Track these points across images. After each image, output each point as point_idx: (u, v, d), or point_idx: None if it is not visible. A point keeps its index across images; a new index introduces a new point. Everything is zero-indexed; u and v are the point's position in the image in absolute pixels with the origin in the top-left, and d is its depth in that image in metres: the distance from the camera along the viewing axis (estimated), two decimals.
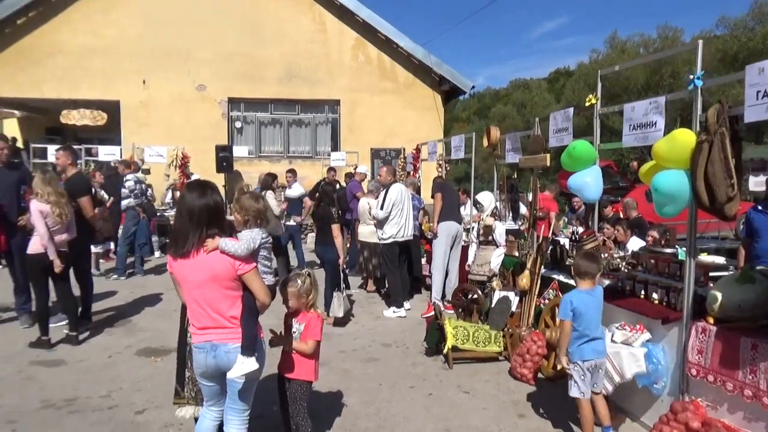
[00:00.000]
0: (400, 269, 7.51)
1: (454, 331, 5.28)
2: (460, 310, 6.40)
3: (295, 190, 10.29)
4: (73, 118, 14.77)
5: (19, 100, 15.01)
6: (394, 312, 7.15)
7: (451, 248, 7.41)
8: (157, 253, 11.06)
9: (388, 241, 7.26)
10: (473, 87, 17.56)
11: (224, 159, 13.43)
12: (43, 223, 5.36)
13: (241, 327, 2.83)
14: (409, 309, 7.31)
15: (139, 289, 8.20)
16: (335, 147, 15.79)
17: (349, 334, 6.30)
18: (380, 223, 7.33)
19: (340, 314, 6.52)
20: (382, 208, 7.22)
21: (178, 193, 12.68)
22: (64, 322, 5.82)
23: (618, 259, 5.13)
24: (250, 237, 2.94)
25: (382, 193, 7.39)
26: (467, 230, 8.01)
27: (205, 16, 14.91)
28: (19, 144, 15.12)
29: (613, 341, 3.91)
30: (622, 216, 8.01)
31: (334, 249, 6.69)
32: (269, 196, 8.10)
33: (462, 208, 8.45)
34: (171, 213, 12.10)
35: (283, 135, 16.07)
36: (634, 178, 12.07)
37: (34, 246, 5.44)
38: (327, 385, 4.62)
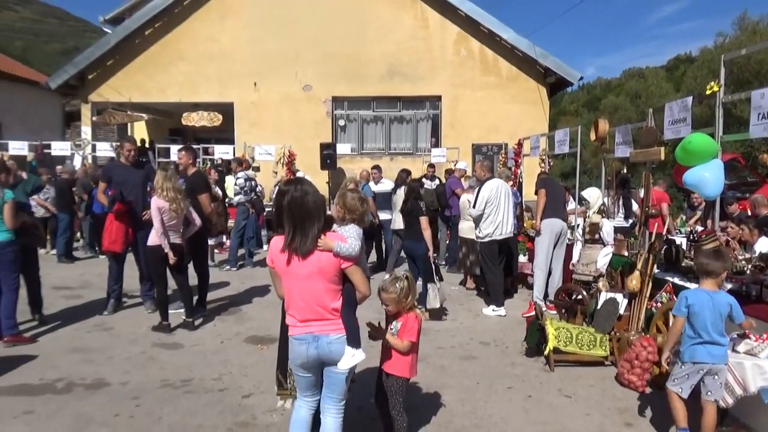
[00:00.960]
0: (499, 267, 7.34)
1: (556, 333, 5.08)
2: (563, 310, 6.15)
3: (386, 185, 10.33)
4: (192, 119, 15.90)
5: (147, 104, 16.40)
6: (493, 311, 7.01)
7: (555, 246, 7.13)
8: (265, 247, 11.63)
9: (486, 240, 7.11)
10: (581, 78, 16.76)
11: (328, 156, 13.87)
12: (159, 218, 5.81)
13: (342, 320, 2.91)
14: (504, 307, 7.14)
15: (249, 280, 8.67)
16: (436, 143, 15.75)
17: (447, 330, 6.26)
18: (476, 222, 7.22)
19: (437, 305, 6.51)
20: (475, 206, 7.12)
21: None
22: (181, 309, 6.27)
23: (743, 261, 4.69)
24: (356, 233, 3.03)
25: (476, 190, 7.28)
26: (572, 228, 7.68)
27: (312, 21, 15.43)
28: (147, 144, 16.55)
29: (735, 351, 3.58)
30: (750, 214, 7.30)
31: (424, 243, 6.68)
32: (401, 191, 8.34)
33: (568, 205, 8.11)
34: None
35: (384, 132, 16.28)
36: (766, 173, 10.97)
37: (153, 239, 5.91)
38: (424, 381, 4.62)
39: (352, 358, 2.93)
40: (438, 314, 6.65)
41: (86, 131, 16.11)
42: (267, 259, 2.99)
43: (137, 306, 6.94)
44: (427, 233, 6.67)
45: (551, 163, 10.81)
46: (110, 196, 6.57)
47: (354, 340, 2.93)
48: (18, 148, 14.35)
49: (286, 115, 15.56)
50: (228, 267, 9.53)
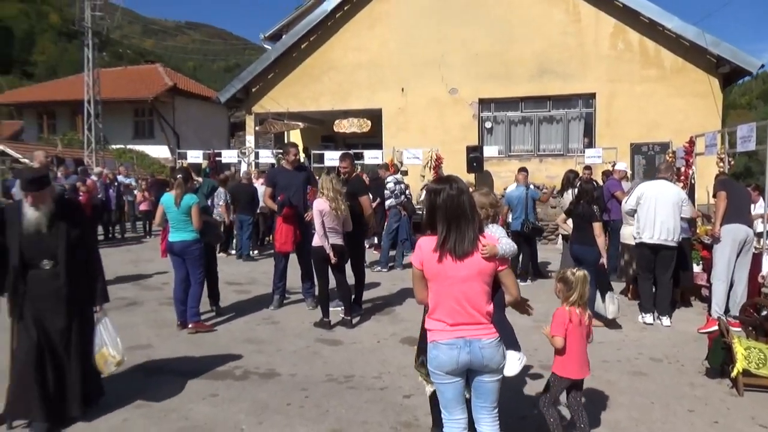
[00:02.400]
0: (663, 275, 6.69)
1: (746, 353, 4.50)
2: (750, 328, 5.46)
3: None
4: (343, 126, 16.66)
5: (302, 113, 17.50)
6: (642, 318, 6.60)
7: (738, 255, 6.37)
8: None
9: (633, 242, 6.75)
10: (762, 66, 14.87)
11: (475, 159, 13.74)
12: (320, 220, 6.10)
13: (494, 324, 2.81)
14: (650, 320, 6.57)
15: (400, 282, 8.82)
16: (590, 143, 14.90)
17: (612, 342, 5.85)
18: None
19: (617, 315, 6.19)
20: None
21: None
22: (340, 308, 6.54)
23: None
24: (504, 233, 2.96)
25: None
26: (759, 235, 6.81)
27: (457, 24, 15.44)
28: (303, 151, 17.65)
29: None
30: None
31: (596, 249, 6.31)
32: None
33: (753, 208, 7.21)
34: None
35: (533, 133, 15.77)
36: None
37: (316, 240, 6.23)
38: (590, 395, 4.34)
39: (518, 362, 2.83)
40: (614, 325, 6.29)
41: (250, 140, 17.58)
42: (413, 260, 2.86)
43: (299, 302, 7.35)
44: (601, 239, 6.32)
45: (731, 163, 9.69)
46: (279, 202, 7.03)
47: (514, 344, 2.82)
48: (194, 156, 16.05)
49: (432, 119, 15.71)
50: (379, 268, 9.79)
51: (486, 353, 2.74)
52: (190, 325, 6.10)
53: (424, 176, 14.35)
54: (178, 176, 6.30)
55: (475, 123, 15.79)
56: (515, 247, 2.90)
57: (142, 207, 14.83)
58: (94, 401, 4.00)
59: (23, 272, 3.71)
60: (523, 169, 9.30)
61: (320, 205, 6.13)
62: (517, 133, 15.99)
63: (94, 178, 13.02)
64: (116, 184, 14.53)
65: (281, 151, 16.57)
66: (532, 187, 9.59)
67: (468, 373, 2.82)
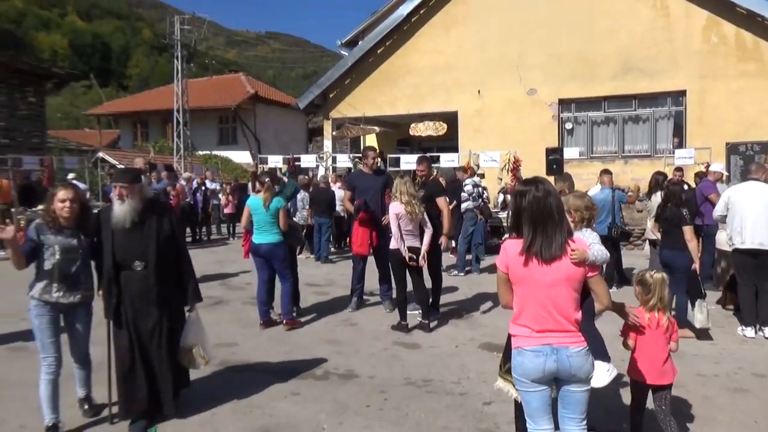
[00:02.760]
0: (765, 283, 6.21)
1: None
2: None
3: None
4: (419, 130, 16.66)
5: (378, 117, 17.67)
6: (741, 330, 6.17)
7: None
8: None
9: (730, 249, 6.34)
10: None
11: (554, 161, 13.29)
12: (396, 223, 6.12)
13: (583, 332, 2.69)
14: (752, 333, 6.10)
15: (476, 286, 8.70)
16: (680, 143, 14.10)
17: (708, 356, 5.48)
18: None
19: (708, 324, 5.82)
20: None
21: (508, 196, 13.12)
22: (417, 311, 6.52)
23: None
24: (597, 238, 2.84)
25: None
26: None
27: (536, 23, 15.07)
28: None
29: None
30: None
31: (686, 254, 5.96)
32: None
33: None
34: (502, 215, 12.55)
35: (617, 133, 15.13)
36: None
37: (394, 242, 6.25)
38: (684, 410, 4.09)
39: (607, 374, 2.70)
40: (704, 335, 5.91)
41: (327, 145, 17.94)
42: (498, 263, 2.78)
43: (377, 305, 7.40)
44: (692, 244, 5.97)
45: None
46: (356, 205, 7.12)
47: (604, 354, 2.69)
48: (275, 161, 16.57)
49: (510, 121, 15.41)
50: (456, 272, 9.70)
51: (574, 362, 2.63)
52: (285, 322, 6.31)
53: (501, 179, 14.09)
54: (266, 179, 6.52)
55: (555, 124, 15.34)
56: (607, 253, 2.77)
57: (227, 210, 15.47)
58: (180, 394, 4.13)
59: (117, 273, 3.84)
60: (606, 171, 8.92)
61: (395, 208, 6.15)
62: (599, 134, 15.39)
63: (182, 182, 13.72)
64: (203, 188, 15.25)
65: (358, 155, 16.83)
66: (617, 189, 9.18)
67: (555, 382, 2.72)
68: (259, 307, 6.47)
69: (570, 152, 14.31)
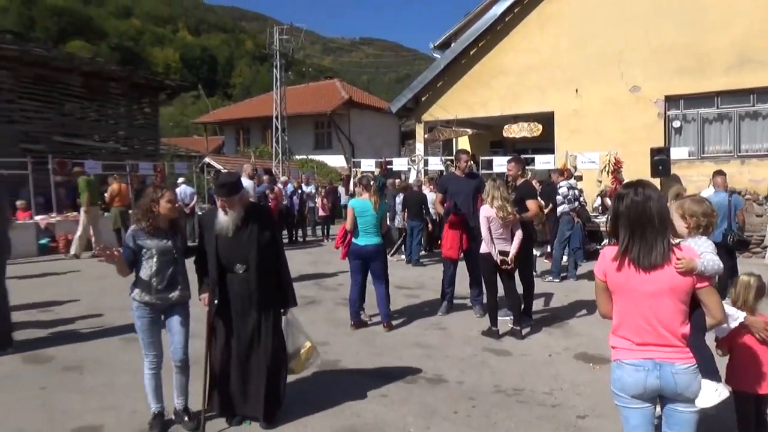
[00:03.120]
0: None
1: None
2: None
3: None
4: (513, 131, 16.28)
5: (471, 119, 17.46)
6: None
7: None
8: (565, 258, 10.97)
9: None
10: None
11: (660, 162, 12.55)
12: (486, 227, 6.00)
13: (691, 348, 2.48)
14: None
15: (573, 293, 8.35)
16: None
17: None
18: None
19: None
20: None
21: (607, 200, 12.47)
22: (509, 317, 6.36)
23: None
24: (711, 247, 2.60)
25: None
26: None
27: (639, 15, 14.25)
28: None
29: None
30: None
31: None
32: None
33: None
34: (601, 219, 11.97)
35: (732, 131, 13.95)
36: None
37: (484, 246, 6.13)
38: None
39: (715, 394, 2.46)
40: None
41: (419, 148, 17.98)
42: (596, 270, 2.63)
43: (468, 309, 7.30)
44: None
45: None
46: (446, 208, 7.08)
47: (713, 373, 2.46)
48: (368, 165, 16.86)
49: (609, 121, 14.67)
50: (551, 278, 9.36)
51: (680, 380, 2.43)
52: (384, 324, 6.43)
53: (600, 181, 13.44)
54: (371, 182, 6.63)
55: (661, 122, 14.41)
56: (720, 264, 2.53)
57: (321, 213, 15.94)
58: (275, 405, 4.05)
59: (220, 276, 3.94)
60: (720, 172, 8.23)
61: (486, 211, 6.03)
62: (712, 132, 14.26)
63: (280, 186, 14.29)
64: (299, 191, 15.81)
65: (450, 158, 16.72)
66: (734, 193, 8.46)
67: (660, 399, 2.54)
68: (351, 308, 6.58)
69: (678, 152, 13.42)
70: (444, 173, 14.25)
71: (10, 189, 10.97)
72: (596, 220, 12.06)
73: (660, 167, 12.48)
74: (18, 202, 12.71)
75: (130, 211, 13.42)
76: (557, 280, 9.30)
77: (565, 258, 9.91)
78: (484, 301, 6.71)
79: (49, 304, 7.65)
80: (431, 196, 12.43)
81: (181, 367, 3.99)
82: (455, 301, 7.44)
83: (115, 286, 8.76)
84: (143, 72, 22.91)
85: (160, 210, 3.85)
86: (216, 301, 3.96)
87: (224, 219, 3.87)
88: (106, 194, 13.15)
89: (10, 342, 5.68)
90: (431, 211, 11.70)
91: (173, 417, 4.02)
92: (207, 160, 24.99)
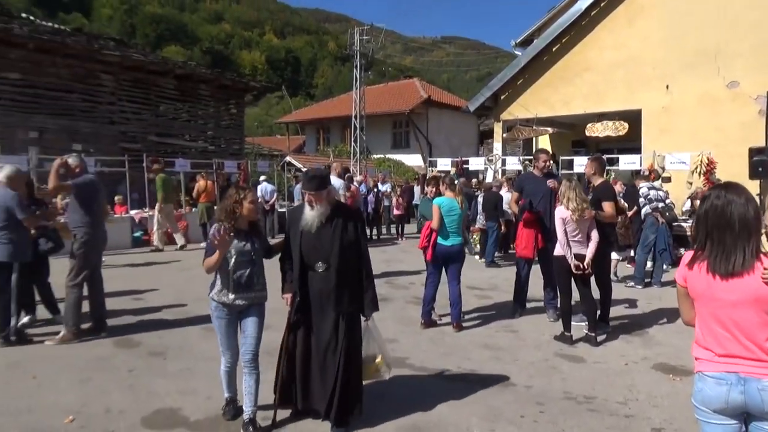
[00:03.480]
0: None
1: None
2: None
3: None
4: (596, 130, 15.64)
5: (551, 118, 16.95)
6: None
7: None
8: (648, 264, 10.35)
9: None
10: None
11: (760, 163, 11.59)
12: (562, 229, 5.82)
13: None
14: None
15: (656, 301, 7.94)
16: None
17: None
18: None
19: None
20: None
21: (697, 202, 11.72)
22: (584, 322, 6.14)
23: None
24: None
25: None
26: None
27: (741, 6, 13.26)
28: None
29: None
30: None
31: None
32: None
33: None
34: (689, 224, 11.28)
35: None
36: None
37: (559, 249, 5.95)
38: None
39: None
40: None
41: (497, 147, 17.67)
42: (677, 276, 2.53)
43: (540, 313, 7.12)
44: None
45: None
46: (520, 206, 6.94)
47: None
48: (444, 164, 16.78)
49: (703, 119, 13.77)
50: (632, 284, 8.93)
51: (766, 397, 2.27)
52: (454, 325, 6.42)
53: (691, 183, 12.66)
54: (455, 181, 6.62)
55: (762, 120, 13.33)
56: None
57: (396, 212, 16.04)
58: (351, 411, 3.90)
59: (302, 273, 3.87)
60: None
61: (561, 213, 5.85)
62: None
63: (356, 184, 14.52)
64: (375, 190, 15.99)
65: (529, 157, 16.33)
66: None
67: (746, 416, 2.37)
68: (424, 307, 6.58)
69: None
70: (521, 173, 13.93)
71: (109, 185, 11.89)
72: (684, 224, 11.37)
73: (760, 168, 11.55)
74: (116, 198, 13.69)
75: (215, 207, 14.14)
76: (640, 287, 8.86)
77: (649, 264, 9.45)
78: (559, 304, 6.51)
79: (139, 293, 8.19)
80: (507, 196, 12.22)
81: (251, 369, 3.90)
82: (529, 305, 7.27)
83: (199, 278, 9.24)
84: (230, 74, 23.97)
85: (242, 211, 3.82)
86: (297, 298, 3.89)
87: (310, 214, 3.79)
88: (193, 191, 13.91)
89: (104, 327, 6.13)
90: (507, 211, 11.48)
91: (242, 428, 3.86)
92: (288, 159, 25.80)
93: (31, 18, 20.57)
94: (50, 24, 21.04)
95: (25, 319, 6.18)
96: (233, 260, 3.80)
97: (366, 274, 3.95)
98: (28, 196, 6.13)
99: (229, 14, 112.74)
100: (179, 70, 19.61)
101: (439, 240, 6.32)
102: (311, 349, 3.90)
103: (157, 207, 12.84)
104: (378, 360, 4.07)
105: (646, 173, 10.92)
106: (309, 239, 3.82)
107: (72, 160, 6.06)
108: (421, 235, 6.60)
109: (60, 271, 6.70)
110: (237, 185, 4.08)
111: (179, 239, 13.15)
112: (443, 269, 6.49)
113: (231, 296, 3.82)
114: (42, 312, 6.51)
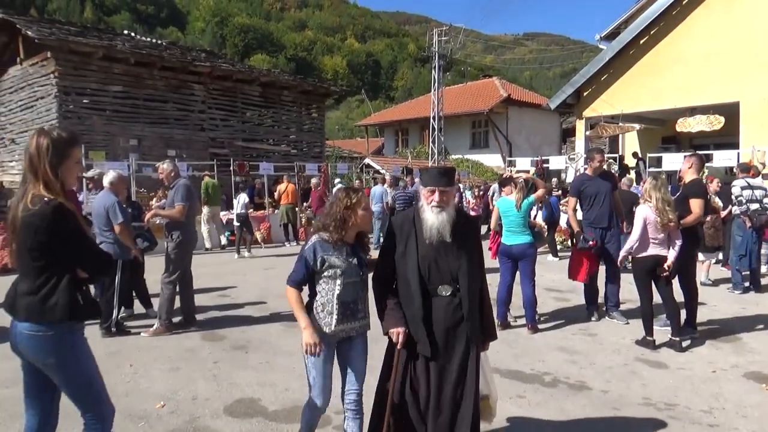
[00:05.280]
0: None
1: None
2: None
3: None
4: (688, 125, 14.78)
5: (639, 114, 16.20)
6: None
7: None
8: (764, 268, 9.61)
9: None
10: None
11: None
12: (640, 228, 5.55)
13: None
14: None
15: (752, 306, 7.42)
16: None
17: None
18: None
19: None
20: None
21: None
22: (668, 327, 5.85)
23: None
24: None
25: None
26: None
27: None
28: (637, 156, 16.30)
29: None
30: None
31: None
32: None
33: None
34: None
35: None
36: None
37: (639, 249, 5.68)
38: None
39: None
40: None
41: (580, 145, 17.10)
42: None
43: (623, 316, 6.84)
44: None
45: None
46: (582, 242, 6.73)
47: None
48: (523, 164, 16.46)
49: None
50: (732, 289, 8.37)
51: None
52: (529, 327, 6.35)
53: None
54: (520, 180, 6.58)
55: None
56: None
57: (472, 213, 15.88)
58: None
59: (411, 299, 2.97)
60: None
61: (644, 212, 5.61)
62: None
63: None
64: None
65: (613, 155, 15.68)
66: None
67: None
68: (498, 308, 6.51)
69: None
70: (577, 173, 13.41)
71: (199, 188, 12.62)
72: None
73: None
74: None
75: (297, 209, 14.63)
76: (738, 292, 8.27)
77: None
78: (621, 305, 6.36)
79: (225, 290, 8.66)
80: None
81: (355, 412, 3.19)
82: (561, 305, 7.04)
83: (279, 276, 9.63)
84: (312, 80, 24.72)
85: (356, 220, 3.10)
86: (417, 332, 2.95)
87: (436, 220, 2.91)
88: (275, 192, 14.48)
89: (193, 321, 6.55)
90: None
91: None
92: (367, 160, 26.21)
93: (132, 34, 22.21)
94: (149, 39, 22.65)
95: (123, 313, 6.72)
96: (340, 280, 3.07)
97: (483, 296, 3.13)
98: (126, 198, 6.67)
99: (313, 21, 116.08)
100: (264, 77, 20.49)
101: (502, 240, 6.45)
102: (428, 398, 2.96)
103: (204, 209, 12.81)
104: (488, 400, 3.33)
105: (748, 166, 10.18)
106: (428, 254, 2.95)
107: (166, 165, 6.54)
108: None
109: (152, 269, 7.25)
110: (348, 188, 3.32)
111: (222, 240, 13.52)
112: (514, 270, 6.42)
113: (333, 325, 3.07)
114: (138, 306, 7.08)
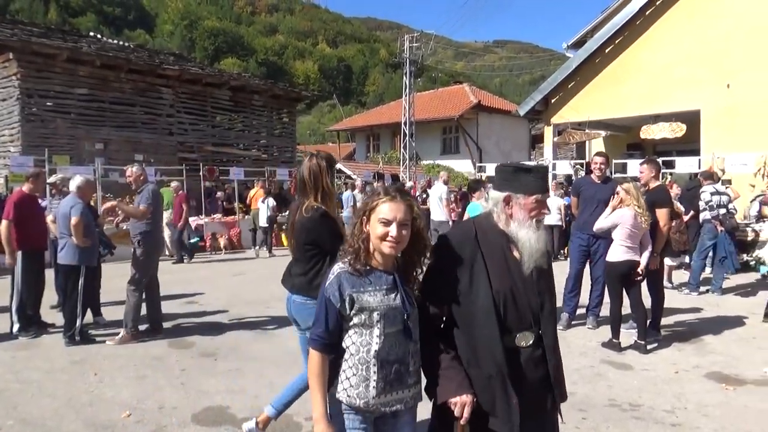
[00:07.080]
0: None
1: None
2: None
3: None
4: (652, 132, 15.17)
5: (604, 120, 16.55)
6: None
7: None
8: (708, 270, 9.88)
9: None
10: None
11: None
12: (623, 232, 5.67)
13: None
14: None
15: (713, 308, 7.63)
16: None
17: None
18: None
19: None
20: None
21: (766, 208, 11.15)
22: (634, 330, 5.99)
23: None
24: None
25: None
26: None
27: None
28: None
29: None
30: None
31: None
32: None
33: None
34: (756, 227, 10.78)
35: None
36: None
37: (614, 254, 5.80)
38: None
39: None
40: None
41: (548, 151, 17.40)
42: None
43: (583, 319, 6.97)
44: None
45: None
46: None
47: None
48: (493, 169, 16.64)
49: (767, 118, 13.14)
50: (687, 291, 8.61)
51: None
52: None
53: (754, 186, 12.10)
54: (483, 186, 6.66)
55: None
56: None
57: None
58: None
59: (478, 350, 2.13)
60: None
61: (625, 214, 5.71)
62: None
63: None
64: (424, 196, 16.03)
65: (580, 161, 15.99)
66: None
67: None
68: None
69: None
70: (573, 178, 13.68)
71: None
72: (748, 228, 10.87)
73: None
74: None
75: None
76: (695, 294, 8.52)
77: (708, 270, 9.09)
78: (600, 313, 6.40)
79: (193, 296, 8.53)
80: (556, 200, 12.05)
81: None
82: (580, 310, 7.09)
83: (249, 282, 9.57)
84: (282, 84, 24.62)
85: (379, 239, 2.09)
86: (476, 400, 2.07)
87: (540, 241, 2.17)
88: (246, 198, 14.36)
89: (160, 329, 6.43)
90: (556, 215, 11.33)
91: None
92: (339, 165, 26.17)
93: (98, 36, 21.79)
94: (116, 41, 22.24)
95: (91, 322, 6.57)
96: (379, 329, 2.08)
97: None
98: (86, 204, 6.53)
99: (284, 26, 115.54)
100: (234, 81, 20.31)
101: None
102: None
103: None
104: None
105: (710, 174, 10.49)
106: (502, 289, 2.12)
107: (135, 168, 6.43)
108: None
109: (115, 275, 7.10)
110: (387, 188, 2.20)
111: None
112: None
113: (373, 395, 2.09)
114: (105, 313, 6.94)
